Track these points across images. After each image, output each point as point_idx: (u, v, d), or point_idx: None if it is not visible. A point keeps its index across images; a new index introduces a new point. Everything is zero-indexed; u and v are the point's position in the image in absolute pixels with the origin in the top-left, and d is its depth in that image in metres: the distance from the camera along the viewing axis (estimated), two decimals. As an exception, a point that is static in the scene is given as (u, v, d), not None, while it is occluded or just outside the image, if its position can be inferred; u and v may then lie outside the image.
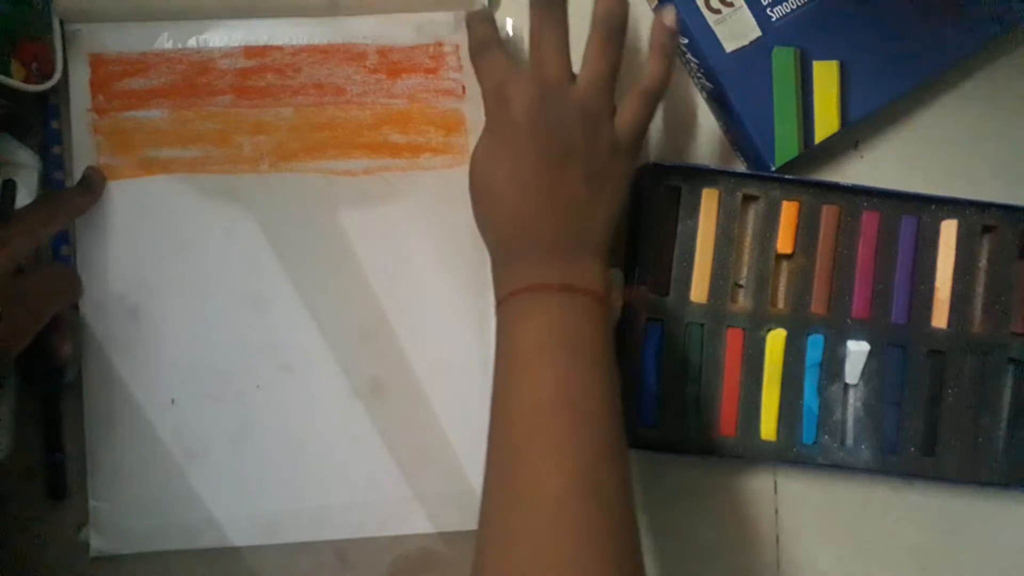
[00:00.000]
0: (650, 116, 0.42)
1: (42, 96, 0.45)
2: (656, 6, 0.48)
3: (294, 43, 0.47)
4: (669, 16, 0.42)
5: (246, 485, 0.46)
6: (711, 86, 0.48)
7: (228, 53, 0.47)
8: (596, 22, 0.41)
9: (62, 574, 0.46)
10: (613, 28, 0.40)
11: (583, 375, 0.37)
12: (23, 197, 0.44)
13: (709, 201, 0.47)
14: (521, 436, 0.36)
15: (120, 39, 0.46)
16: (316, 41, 0.47)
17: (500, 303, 0.40)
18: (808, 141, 0.47)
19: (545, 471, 0.35)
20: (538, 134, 0.39)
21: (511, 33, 0.48)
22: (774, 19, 0.46)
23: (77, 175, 0.46)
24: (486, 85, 0.41)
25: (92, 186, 0.45)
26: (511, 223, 0.40)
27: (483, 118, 0.41)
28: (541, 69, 0.40)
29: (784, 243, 0.47)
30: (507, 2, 0.49)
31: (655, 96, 0.42)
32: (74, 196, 0.45)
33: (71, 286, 0.45)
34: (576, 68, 0.41)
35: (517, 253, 0.40)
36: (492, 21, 0.42)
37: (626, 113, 0.41)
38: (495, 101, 0.40)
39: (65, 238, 0.46)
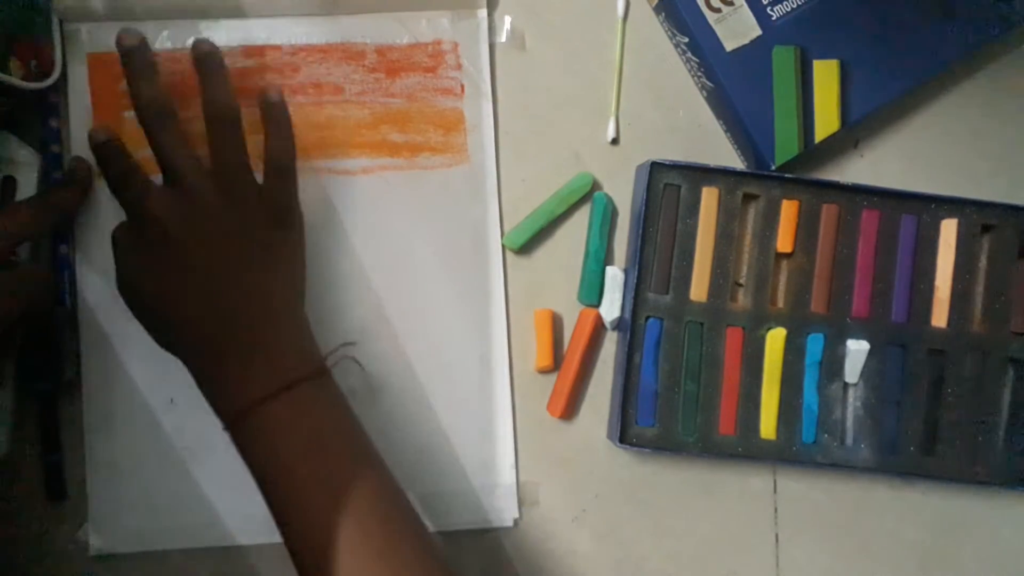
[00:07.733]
0: (295, 182, 0.43)
1: (41, 95, 0.45)
2: (656, 6, 0.48)
3: (293, 42, 0.47)
4: (275, 90, 0.43)
5: (245, 484, 0.46)
6: (711, 85, 0.48)
7: (227, 52, 0.46)
8: (207, 116, 0.41)
9: (62, 573, 0.46)
10: (225, 119, 0.41)
11: (358, 466, 0.39)
12: (23, 195, 0.44)
13: (709, 200, 0.47)
14: (325, 549, 0.37)
15: (119, 38, 0.46)
16: (315, 40, 0.47)
17: (237, 422, 0.38)
18: (808, 140, 0.47)
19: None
20: (189, 244, 0.39)
21: (508, 29, 0.48)
22: (774, 18, 0.46)
23: (76, 173, 0.46)
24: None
25: (78, 178, 0.45)
26: (201, 342, 0.39)
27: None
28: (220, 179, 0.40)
29: (784, 242, 0.47)
30: (505, 3, 0.49)
31: (290, 167, 0.42)
32: (60, 191, 0.44)
33: (38, 291, 0.43)
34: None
35: (224, 362, 0.39)
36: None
37: (271, 190, 0.42)
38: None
39: (65, 238, 0.46)
